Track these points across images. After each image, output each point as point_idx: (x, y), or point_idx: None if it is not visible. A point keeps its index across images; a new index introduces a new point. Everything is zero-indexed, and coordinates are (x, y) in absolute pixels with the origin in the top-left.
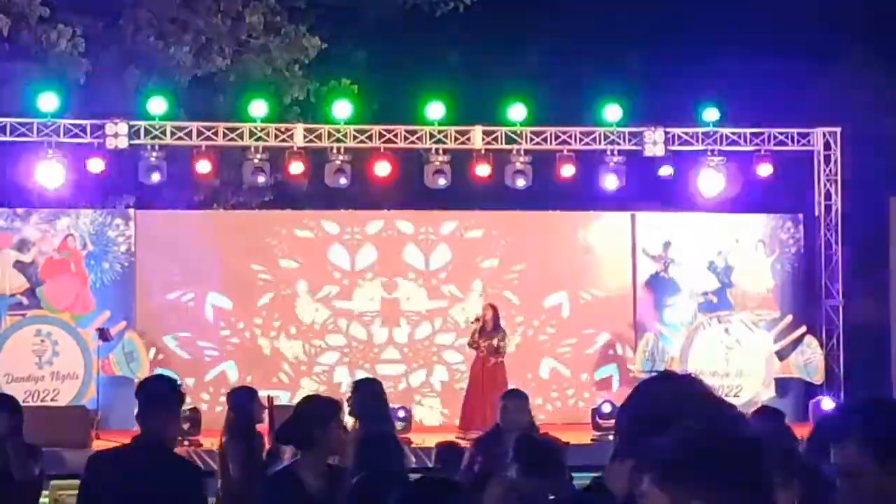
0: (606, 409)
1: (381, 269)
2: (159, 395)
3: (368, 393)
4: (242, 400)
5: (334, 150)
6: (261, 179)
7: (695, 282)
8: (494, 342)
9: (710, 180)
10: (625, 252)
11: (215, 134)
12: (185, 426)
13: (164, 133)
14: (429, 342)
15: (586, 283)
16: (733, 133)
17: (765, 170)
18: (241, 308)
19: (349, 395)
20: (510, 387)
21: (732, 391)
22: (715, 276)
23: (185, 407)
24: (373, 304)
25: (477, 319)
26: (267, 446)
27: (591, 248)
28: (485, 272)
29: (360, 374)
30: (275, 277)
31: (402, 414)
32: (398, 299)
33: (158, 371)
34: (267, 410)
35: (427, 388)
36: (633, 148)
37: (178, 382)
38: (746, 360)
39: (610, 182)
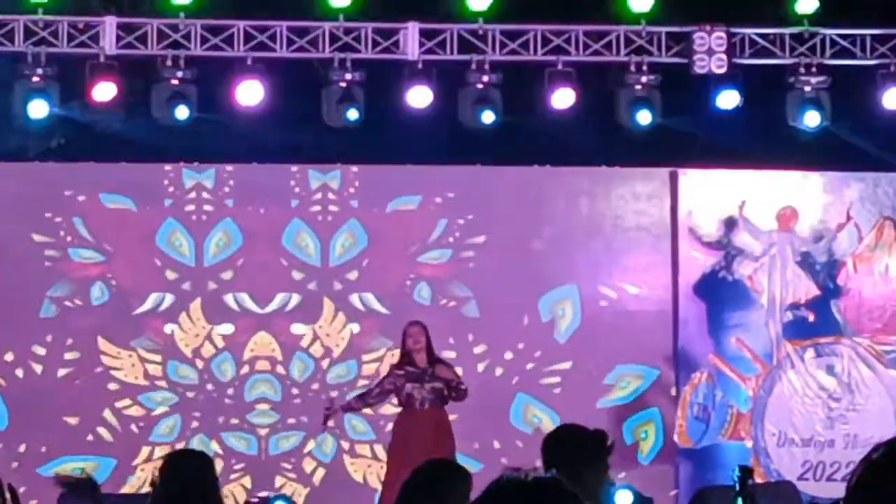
0: (625, 499)
1: (247, 264)
2: None
3: None
4: None
5: (169, 62)
6: (41, 110)
7: (778, 286)
8: (427, 385)
9: (803, 114)
10: (660, 235)
11: None
12: None
13: None
14: (324, 389)
15: (596, 287)
16: (842, 36)
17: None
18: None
19: None
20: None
21: (839, 472)
22: (812, 277)
23: None
24: (231, 324)
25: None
26: None
27: (603, 228)
28: (425, 269)
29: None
30: (64, 278)
31: None
32: (273, 317)
33: None
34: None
35: (306, 466)
36: (676, 60)
37: None
38: (865, 419)
39: (638, 117)
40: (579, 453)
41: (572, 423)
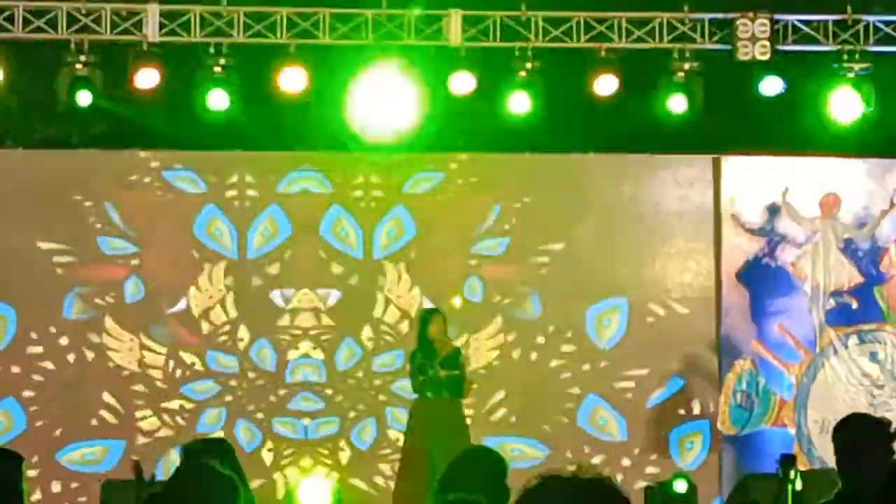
0: (680, 487)
1: (290, 253)
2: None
3: None
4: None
5: (212, 49)
6: (83, 98)
7: (821, 273)
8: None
9: (848, 103)
10: (703, 221)
11: (10, 20)
12: None
13: None
14: (380, 380)
15: (635, 275)
16: (887, 23)
17: None
18: (32, 318)
19: None
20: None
21: None
22: (855, 264)
23: None
24: (271, 313)
25: None
26: None
27: (644, 215)
28: (469, 260)
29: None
30: (95, 270)
31: None
32: (319, 308)
33: None
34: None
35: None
36: (718, 47)
37: None
38: None
39: (679, 104)
40: (860, 440)
41: (857, 412)
